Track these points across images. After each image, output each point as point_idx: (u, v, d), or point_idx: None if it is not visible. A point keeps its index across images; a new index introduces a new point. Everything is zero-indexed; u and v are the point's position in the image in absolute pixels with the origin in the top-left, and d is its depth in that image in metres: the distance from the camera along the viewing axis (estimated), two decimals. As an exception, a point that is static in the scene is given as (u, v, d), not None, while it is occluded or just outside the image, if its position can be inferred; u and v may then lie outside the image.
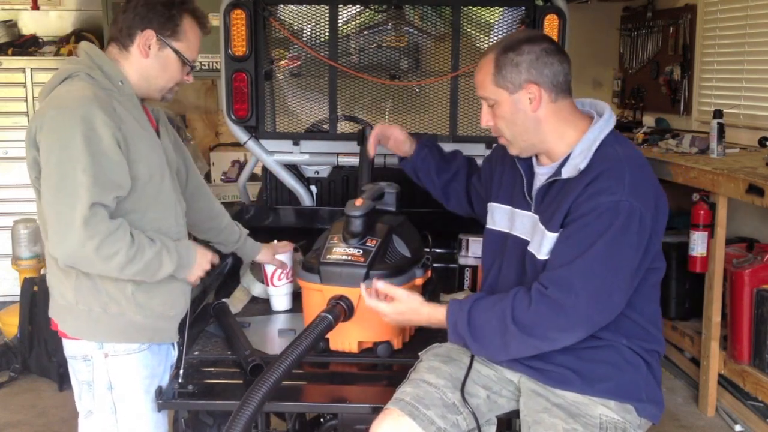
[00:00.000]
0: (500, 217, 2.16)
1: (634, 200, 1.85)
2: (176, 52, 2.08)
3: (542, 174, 2.04)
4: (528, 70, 1.94)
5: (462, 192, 2.50)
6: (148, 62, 2.06)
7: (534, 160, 2.09)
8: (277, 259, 2.59)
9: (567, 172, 1.94)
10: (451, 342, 2.04)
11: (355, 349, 2.25)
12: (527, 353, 1.96)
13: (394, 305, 2.05)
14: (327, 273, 2.22)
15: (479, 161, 3.41)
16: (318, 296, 2.22)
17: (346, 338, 2.24)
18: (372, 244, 2.26)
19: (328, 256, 2.24)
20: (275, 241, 2.66)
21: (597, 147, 1.94)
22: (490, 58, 1.98)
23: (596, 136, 1.95)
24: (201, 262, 2.13)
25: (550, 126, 1.98)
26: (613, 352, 1.97)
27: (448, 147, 3.40)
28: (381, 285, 2.07)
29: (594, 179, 1.89)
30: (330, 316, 2.06)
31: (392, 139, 2.62)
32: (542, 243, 1.96)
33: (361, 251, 2.24)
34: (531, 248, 2.01)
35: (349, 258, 2.22)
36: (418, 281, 2.30)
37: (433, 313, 2.03)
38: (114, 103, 1.99)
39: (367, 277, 2.18)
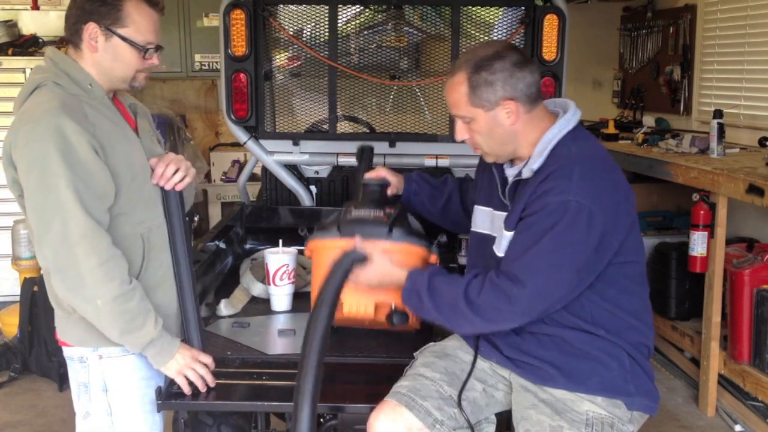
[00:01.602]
0: (481, 219, 2.20)
1: (582, 199, 1.88)
2: (124, 38, 1.99)
3: (510, 175, 2.09)
4: (503, 87, 1.97)
5: (461, 213, 2.50)
6: (99, 56, 1.99)
7: (508, 161, 2.13)
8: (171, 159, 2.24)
9: (525, 173, 2.01)
10: (405, 300, 2.06)
11: (371, 312, 2.18)
12: (470, 330, 2.04)
13: (368, 265, 2.06)
14: (348, 228, 2.18)
15: (478, 161, 3.45)
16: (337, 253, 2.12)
17: (362, 300, 2.17)
18: (390, 211, 2.29)
19: (348, 216, 2.22)
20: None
21: (553, 147, 1.98)
22: (462, 78, 2.00)
23: (554, 136, 2.00)
24: (180, 357, 2.04)
25: (524, 134, 2.03)
26: (594, 347, 1.99)
27: (448, 149, 3.44)
28: (359, 241, 2.08)
29: (544, 179, 1.95)
30: (355, 253, 2.00)
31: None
32: (501, 241, 2.03)
33: (382, 213, 2.25)
34: (494, 246, 2.06)
35: (371, 216, 2.21)
36: (433, 258, 2.30)
37: (401, 273, 2.06)
38: (85, 109, 1.94)
39: (390, 233, 2.16)
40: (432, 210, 2.52)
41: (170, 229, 2.11)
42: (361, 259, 2.03)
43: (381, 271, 2.08)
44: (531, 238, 1.92)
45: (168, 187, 2.09)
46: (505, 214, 2.06)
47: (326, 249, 2.20)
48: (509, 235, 2.00)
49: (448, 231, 2.58)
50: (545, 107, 2.07)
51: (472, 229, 2.23)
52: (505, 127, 2.01)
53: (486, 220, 2.16)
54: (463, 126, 2.06)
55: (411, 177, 2.53)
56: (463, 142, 2.11)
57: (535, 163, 1.98)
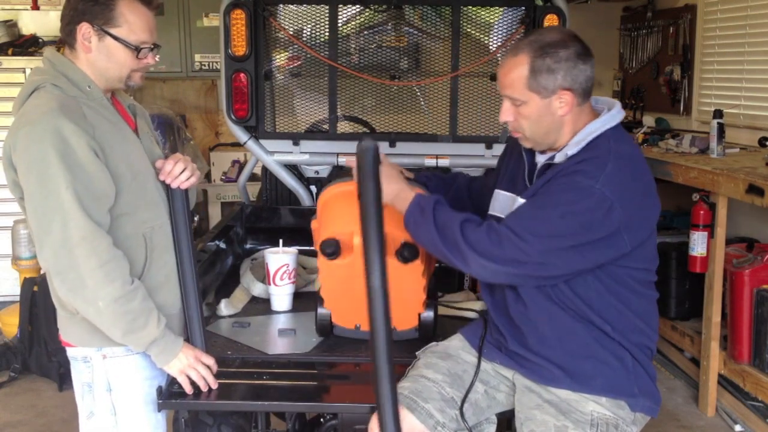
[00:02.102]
0: (501, 203, 2.18)
1: (608, 191, 1.88)
2: (116, 38, 1.98)
3: (540, 161, 2.07)
4: (564, 77, 1.95)
5: (468, 207, 2.46)
6: (93, 56, 1.99)
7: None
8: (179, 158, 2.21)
9: (558, 158, 1.99)
10: (407, 216, 2.03)
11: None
12: (460, 264, 1.98)
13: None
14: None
15: (479, 161, 3.45)
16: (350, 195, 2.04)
17: None
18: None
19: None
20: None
21: (593, 138, 1.97)
22: (524, 60, 1.95)
23: (596, 129, 1.98)
24: (184, 357, 2.03)
25: (569, 126, 2.01)
26: (599, 346, 1.98)
27: (448, 149, 3.45)
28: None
29: (577, 162, 1.94)
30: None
31: None
32: (514, 208, 2.02)
33: None
34: None
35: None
36: None
37: (408, 190, 2.06)
38: (84, 110, 1.94)
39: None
40: None
41: (175, 228, 2.11)
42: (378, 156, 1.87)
43: (389, 177, 2.05)
44: (543, 203, 1.92)
45: (175, 184, 2.10)
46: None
47: (341, 195, 2.11)
48: (522, 200, 2.00)
49: None
50: (591, 103, 2.06)
51: (489, 212, 2.21)
52: (555, 117, 1.98)
53: (506, 204, 2.14)
54: (510, 108, 2.01)
55: (421, 174, 2.54)
56: (489, 132, 2.09)
57: (571, 150, 1.97)
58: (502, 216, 2.13)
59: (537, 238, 1.88)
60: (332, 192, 2.26)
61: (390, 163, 2.12)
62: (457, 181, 2.52)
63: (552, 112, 1.97)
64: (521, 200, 2.05)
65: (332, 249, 2.11)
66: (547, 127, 2.00)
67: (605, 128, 1.99)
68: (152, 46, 2.04)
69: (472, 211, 2.43)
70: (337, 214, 2.21)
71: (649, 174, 2.02)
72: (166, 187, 2.11)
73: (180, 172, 2.09)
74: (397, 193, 2.06)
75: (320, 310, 2.34)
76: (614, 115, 2.02)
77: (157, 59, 2.09)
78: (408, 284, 2.19)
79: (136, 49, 2.00)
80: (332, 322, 2.36)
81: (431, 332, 2.30)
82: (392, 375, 1.63)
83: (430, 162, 3.45)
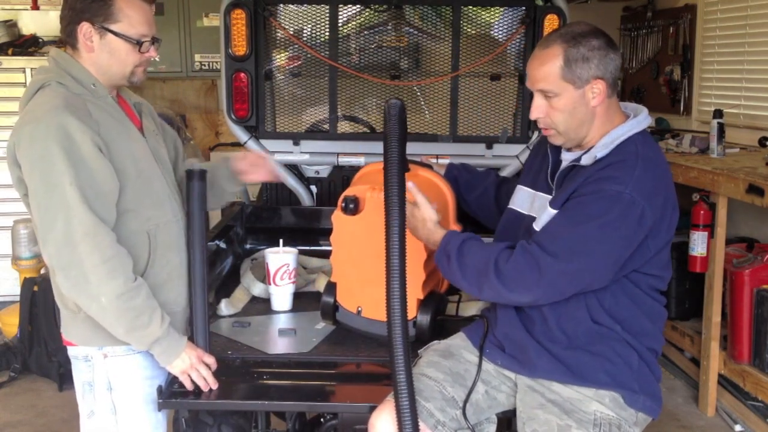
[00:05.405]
0: (521, 198, 2.19)
1: (638, 195, 1.88)
2: (117, 34, 1.99)
3: (566, 160, 2.07)
4: (597, 65, 1.95)
5: (493, 208, 2.51)
6: (95, 55, 2.00)
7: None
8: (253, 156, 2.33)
9: (585, 160, 1.99)
10: (436, 261, 2.08)
11: None
12: (489, 297, 2.03)
13: (412, 208, 2.10)
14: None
15: (480, 161, 3.45)
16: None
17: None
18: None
19: None
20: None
21: (621, 142, 1.97)
22: (557, 51, 1.96)
23: (624, 132, 1.99)
24: (186, 357, 2.04)
25: (600, 120, 2.01)
26: (604, 344, 1.99)
27: (449, 148, 3.45)
28: (411, 185, 2.10)
29: (604, 167, 1.94)
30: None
31: None
32: (542, 218, 2.01)
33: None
34: (534, 224, 2.05)
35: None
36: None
37: (436, 231, 2.09)
38: (89, 107, 1.95)
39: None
40: (466, 198, 2.56)
41: (190, 228, 2.12)
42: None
43: (425, 221, 2.11)
44: (576, 218, 1.91)
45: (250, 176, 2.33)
46: (548, 196, 2.05)
47: (377, 170, 2.15)
48: (553, 212, 1.99)
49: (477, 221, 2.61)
50: (618, 102, 2.06)
51: (509, 206, 2.22)
52: (588, 108, 1.98)
53: (526, 200, 2.16)
54: (542, 102, 2.01)
55: (453, 164, 2.61)
56: (535, 122, 2.08)
57: (600, 153, 1.96)
58: (521, 210, 2.15)
59: (573, 256, 1.89)
60: (370, 168, 2.49)
61: (428, 208, 2.13)
62: (488, 179, 2.56)
63: (586, 103, 1.98)
64: (542, 195, 2.07)
65: (354, 204, 2.26)
66: (580, 119, 2.00)
67: (632, 132, 1.99)
68: (153, 39, 2.04)
69: (495, 210, 2.47)
70: (365, 182, 2.35)
71: (671, 179, 2.04)
72: (188, 185, 2.12)
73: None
74: (427, 238, 2.11)
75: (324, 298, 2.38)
76: (641, 120, 2.03)
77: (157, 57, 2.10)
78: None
79: (138, 43, 2.01)
80: (337, 304, 2.36)
81: (427, 336, 2.28)
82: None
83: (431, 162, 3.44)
